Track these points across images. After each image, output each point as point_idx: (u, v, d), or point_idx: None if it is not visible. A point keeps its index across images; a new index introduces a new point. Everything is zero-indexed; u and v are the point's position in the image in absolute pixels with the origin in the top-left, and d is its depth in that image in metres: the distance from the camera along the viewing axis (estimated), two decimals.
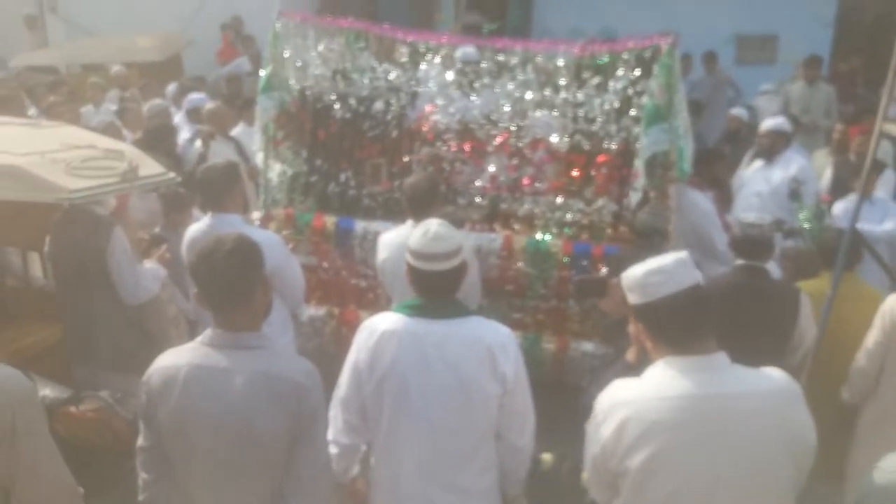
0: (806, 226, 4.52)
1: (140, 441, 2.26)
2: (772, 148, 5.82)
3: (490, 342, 2.44)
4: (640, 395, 1.99)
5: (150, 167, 3.74)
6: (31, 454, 1.86)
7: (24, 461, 1.84)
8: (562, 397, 4.27)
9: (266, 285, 2.25)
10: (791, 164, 5.74)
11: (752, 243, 3.56)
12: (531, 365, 4.26)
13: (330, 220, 4.52)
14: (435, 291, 2.50)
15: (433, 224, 2.52)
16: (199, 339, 2.22)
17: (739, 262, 3.59)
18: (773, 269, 3.89)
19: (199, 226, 3.74)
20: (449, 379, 2.43)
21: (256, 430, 2.10)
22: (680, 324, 2.01)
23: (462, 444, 2.49)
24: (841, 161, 6.10)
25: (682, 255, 2.09)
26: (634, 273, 2.10)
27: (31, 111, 7.18)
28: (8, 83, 8.80)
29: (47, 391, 2.94)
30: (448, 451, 2.49)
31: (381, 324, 2.52)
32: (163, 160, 4.15)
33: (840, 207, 5.46)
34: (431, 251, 2.46)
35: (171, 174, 3.85)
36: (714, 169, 4.99)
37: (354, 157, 4.77)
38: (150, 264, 3.86)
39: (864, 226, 5.23)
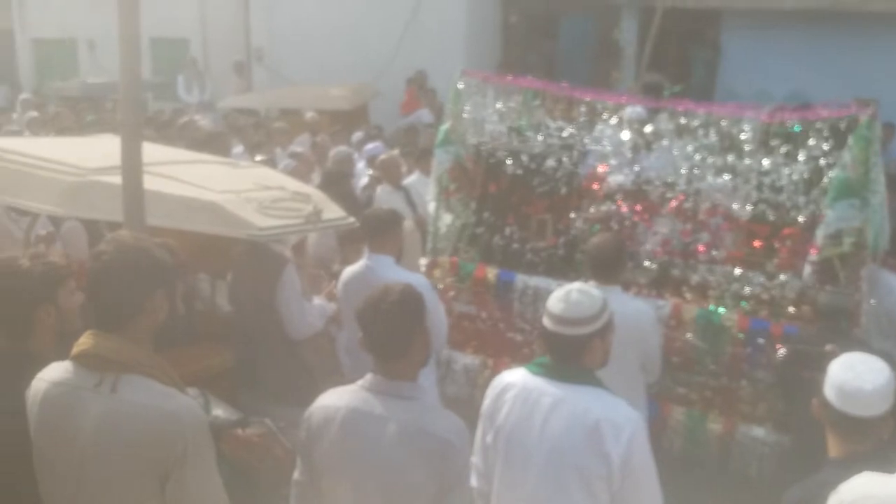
0: None
1: (296, 475, 2.35)
2: None
3: (600, 417, 2.31)
4: (889, 492, 1.80)
5: (333, 211, 3.97)
6: (198, 484, 1.95)
7: (190, 490, 1.93)
8: (725, 481, 3.99)
9: (426, 337, 2.29)
10: None
11: None
12: (694, 445, 4.08)
13: (492, 272, 4.57)
14: (560, 355, 2.44)
15: (575, 288, 2.47)
16: (359, 382, 2.29)
17: None
18: None
19: (355, 266, 3.92)
20: (550, 444, 2.36)
21: (402, 480, 2.12)
22: None
23: None
24: None
25: (886, 377, 1.91)
26: (836, 372, 1.95)
27: (237, 149, 7.88)
28: (215, 123, 9.79)
29: (219, 412, 3.12)
30: None
31: (509, 376, 2.55)
32: (339, 203, 4.38)
33: None
34: (562, 314, 2.41)
35: (352, 219, 4.06)
36: None
37: (521, 211, 4.80)
38: (318, 301, 4.05)
39: None
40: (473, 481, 2.57)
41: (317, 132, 9.12)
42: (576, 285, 2.51)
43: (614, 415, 2.34)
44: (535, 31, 13.19)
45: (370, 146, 7.63)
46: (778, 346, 3.81)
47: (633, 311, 3.49)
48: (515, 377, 2.53)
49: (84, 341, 1.99)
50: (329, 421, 2.23)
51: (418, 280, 3.67)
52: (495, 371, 4.47)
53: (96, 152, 4.14)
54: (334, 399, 2.29)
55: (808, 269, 3.92)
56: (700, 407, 4.10)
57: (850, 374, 2.15)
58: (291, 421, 2.79)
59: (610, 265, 3.54)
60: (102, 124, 8.84)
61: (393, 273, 3.51)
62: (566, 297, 2.44)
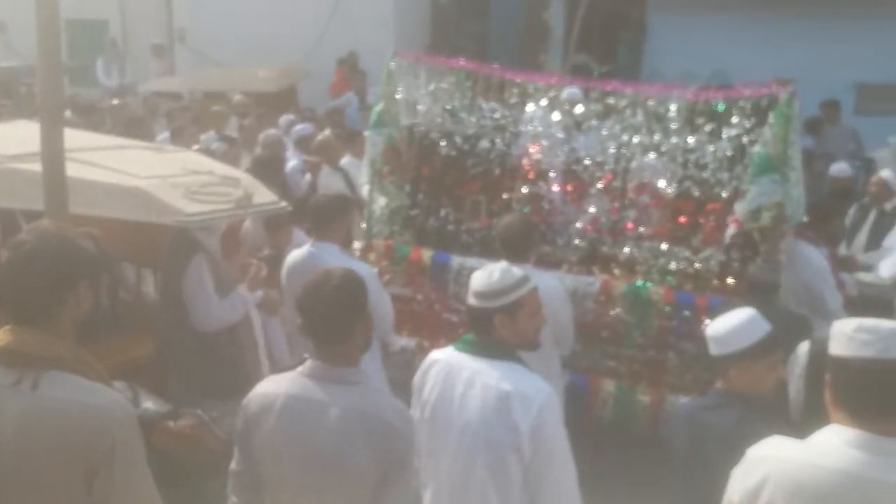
0: None
1: (233, 465, 2.32)
2: None
3: (511, 389, 2.38)
4: (794, 456, 1.89)
5: (264, 195, 3.89)
6: (127, 479, 1.90)
7: (120, 485, 1.88)
8: (655, 452, 4.13)
9: (368, 322, 2.29)
10: None
11: (866, 304, 3.35)
12: (624, 416, 4.20)
13: (427, 254, 4.58)
14: (474, 329, 2.55)
15: (498, 266, 2.56)
16: (299, 369, 2.27)
17: None
18: None
19: (299, 252, 3.86)
20: (465, 417, 2.44)
21: (345, 465, 2.11)
22: (869, 394, 1.86)
23: (481, 491, 2.43)
24: None
25: None
26: (844, 322, 1.96)
27: (163, 135, 7.64)
28: (136, 107, 9.46)
29: (149, 404, 3.03)
30: (468, 494, 2.45)
31: (436, 353, 2.63)
32: (271, 189, 4.30)
33: None
34: (473, 288, 2.52)
35: (283, 203, 3.99)
36: (831, 225, 4.72)
37: (455, 193, 4.82)
38: (241, 291, 3.86)
39: None
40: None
41: (244, 115, 8.92)
42: (500, 264, 2.59)
43: (525, 387, 2.40)
44: (465, 12, 13.19)
45: (299, 127, 7.48)
46: (705, 319, 3.96)
47: (545, 286, 3.53)
48: (442, 354, 2.62)
49: (1, 337, 1.90)
50: (267, 409, 2.20)
51: (361, 267, 3.65)
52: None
53: (11, 139, 3.95)
54: (272, 386, 2.26)
55: (728, 242, 4.06)
56: (629, 379, 4.22)
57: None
58: (226, 410, 2.75)
59: (519, 243, 3.64)
60: (16, 110, 8.43)
61: (336, 260, 3.45)
62: (484, 273, 2.53)
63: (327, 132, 7.31)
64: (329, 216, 3.79)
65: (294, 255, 3.88)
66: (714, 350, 2.64)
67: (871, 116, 10.09)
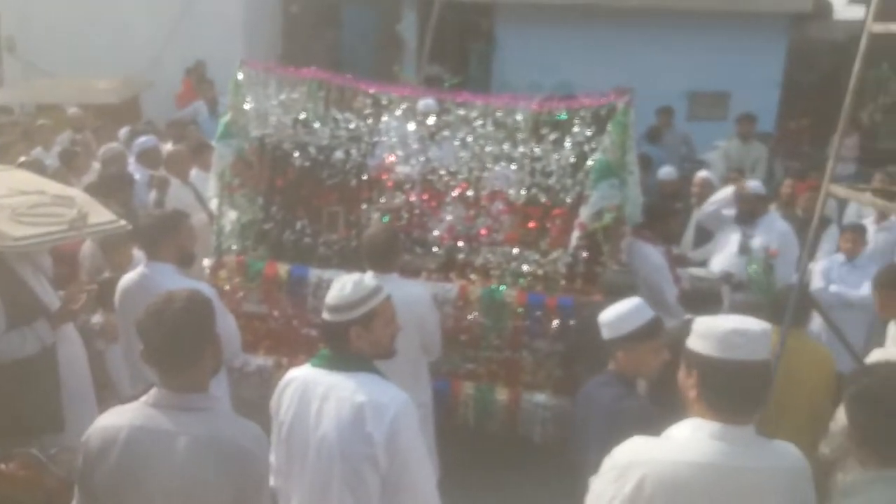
0: (754, 279, 4.60)
1: None
2: (753, 212, 5.60)
3: (364, 400, 2.38)
4: (665, 457, 1.98)
5: (101, 214, 3.65)
6: None
7: None
8: (514, 451, 4.26)
9: (217, 344, 2.21)
10: (773, 229, 5.54)
11: (699, 296, 3.64)
12: (484, 416, 4.31)
13: (283, 268, 4.48)
14: (329, 343, 2.54)
15: (351, 278, 2.55)
16: (143, 398, 2.16)
17: (688, 315, 3.63)
18: None
19: (132, 275, 3.63)
20: (321, 433, 2.43)
21: (196, 496, 2.03)
22: (738, 392, 1.98)
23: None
24: (787, 216, 6.27)
25: (767, 327, 2.07)
26: (718, 324, 2.05)
27: None
28: None
29: None
30: None
31: (293, 372, 2.60)
32: (116, 209, 4.05)
33: (821, 266, 5.49)
34: (327, 302, 2.51)
35: (123, 222, 3.75)
36: (667, 224, 5.09)
37: (312, 205, 4.76)
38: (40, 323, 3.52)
39: (840, 288, 5.32)
40: (271, 480, 2.54)
41: (80, 129, 8.37)
42: (353, 276, 2.58)
43: (379, 396, 2.40)
44: (318, 22, 13.07)
45: (141, 140, 7.05)
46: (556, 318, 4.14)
47: (411, 295, 3.61)
48: (298, 372, 2.58)
49: None
50: (109, 443, 2.07)
51: (202, 287, 3.50)
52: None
53: None
54: (114, 419, 2.13)
55: (574, 245, 4.27)
56: (487, 380, 4.32)
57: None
58: (67, 446, 2.57)
59: (384, 254, 3.65)
60: None
61: (171, 281, 3.25)
62: (337, 286, 2.52)
63: (172, 145, 6.99)
64: (156, 235, 3.56)
65: (126, 278, 3.63)
66: (605, 334, 2.87)
67: (702, 122, 10.96)
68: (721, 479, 1.92)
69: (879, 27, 3.06)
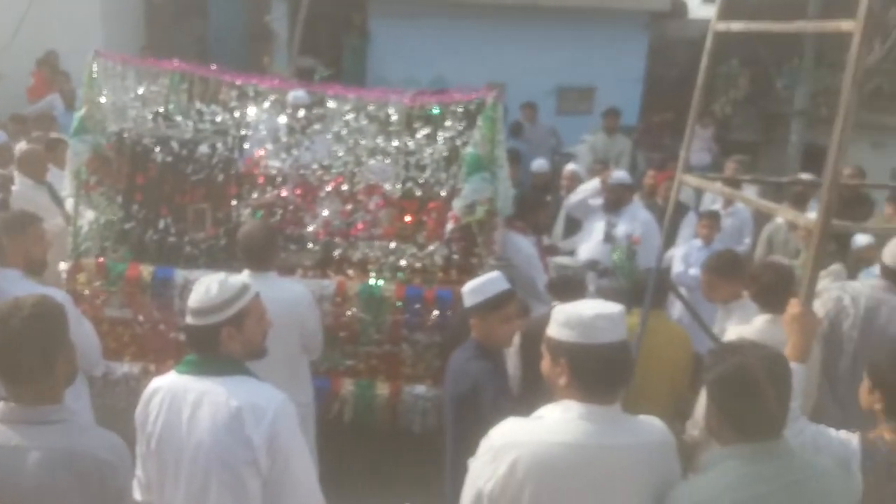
0: (618, 265, 4.82)
1: None
2: (618, 201, 5.87)
3: (241, 403, 2.31)
4: (537, 438, 2.01)
5: None
6: None
7: None
8: (397, 443, 4.28)
9: (70, 352, 2.09)
10: (636, 218, 5.82)
11: (565, 284, 3.77)
12: (364, 412, 4.29)
13: (147, 270, 4.27)
14: (198, 348, 2.43)
15: (214, 279, 2.44)
16: None
17: (555, 302, 3.76)
18: None
19: None
20: (196, 440, 2.33)
21: None
22: (606, 374, 2.04)
23: None
24: (649, 205, 6.63)
25: (622, 307, 2.12)
26: (580, 311, 2.08)
27: None
28: None
29: None
30: None
31: (158, 381, 2.47)
32: None
33: (681, 251, 5.81)
34: (193, 305, 2.40)
35: None
36: (537, 215, 5.25)
37: (176, 202, 4.56)
38: None
39: (697, 271, 5.59)
40: (137, 495, 2.44)
41: None
42: (216, 276, 2.47)
43: (256, 399, 2.34)
44: (182, 11, 12.52)
45: None
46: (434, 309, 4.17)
47: (290, 294, 3.55)
48: (163, 381, 2.45)
49: None
50: None
51: (54, 293, 3.27)
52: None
53: None
54: None
55: (448, 237, 4.33)
56: (367, 375, 4.31)
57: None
58: None
59: (260, 252, 3.55)
60: None
61: (18, 287, 3.01)
62: (201, 288, 2.41)
63: (25, 144, 6.48)
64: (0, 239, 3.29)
65: None
66: (465, 302, 3.07)
67: (571, 116, 11.37)
68: (591, 457, 1.99)
69: (722, 26, 3.27)
